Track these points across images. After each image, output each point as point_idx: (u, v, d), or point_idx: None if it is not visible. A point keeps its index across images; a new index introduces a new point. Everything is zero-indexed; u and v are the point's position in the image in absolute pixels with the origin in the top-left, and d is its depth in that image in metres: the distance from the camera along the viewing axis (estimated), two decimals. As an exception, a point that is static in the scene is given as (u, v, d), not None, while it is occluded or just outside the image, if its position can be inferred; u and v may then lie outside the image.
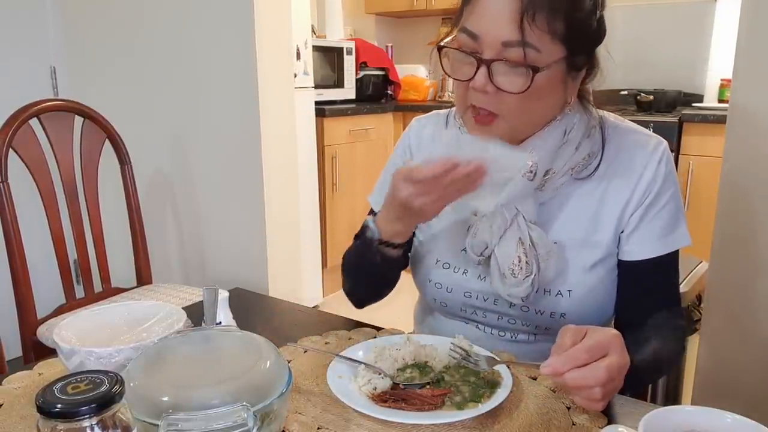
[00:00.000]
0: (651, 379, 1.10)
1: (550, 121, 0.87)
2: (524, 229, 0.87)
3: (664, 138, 0.93)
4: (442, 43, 0.85)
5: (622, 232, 0.91)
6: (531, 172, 0.85)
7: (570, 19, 0.78)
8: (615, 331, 0.71)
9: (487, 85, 0.80)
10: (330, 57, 3.23)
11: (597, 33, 0.84)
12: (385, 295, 1.06)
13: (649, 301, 0.92)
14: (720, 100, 3.05)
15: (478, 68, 0.80)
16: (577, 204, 0.91)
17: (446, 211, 0.99)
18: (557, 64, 0.80)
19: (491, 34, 0.78)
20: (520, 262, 0.86)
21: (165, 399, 0.58)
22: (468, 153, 0.76)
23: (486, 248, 0.89)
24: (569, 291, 0.90)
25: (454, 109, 0.99)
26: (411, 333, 0.94)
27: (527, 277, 0.86)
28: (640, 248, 0.90)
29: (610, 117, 0.94)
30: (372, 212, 1.08)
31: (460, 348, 0.80)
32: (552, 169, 0.87)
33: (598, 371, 0.66)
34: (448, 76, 0.86)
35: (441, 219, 0.99)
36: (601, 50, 0.85)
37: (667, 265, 0.92)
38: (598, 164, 0.90)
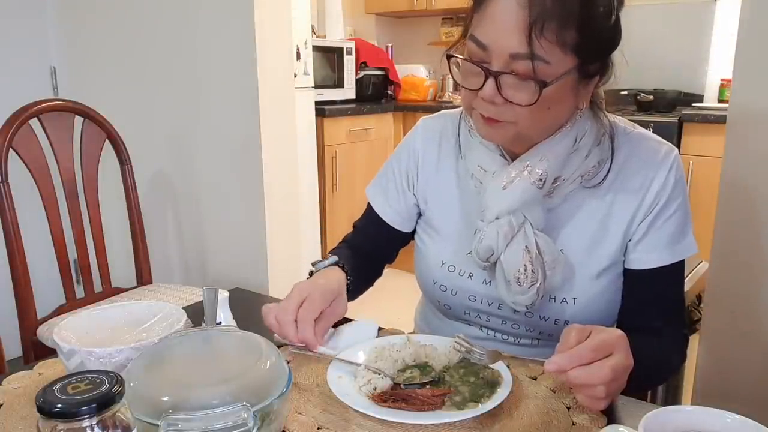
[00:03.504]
0: (650, 384, 1.10)
1: (561, 127, 0.85)
2: (531, 237, 0.86)
3: (664, 138, 0.93)
4: (450, 52, 0.83)
5: (629, 240, 0.90)
6: (540, 180, 0.84)
7: (582, 29, 0.75)
8: (620, 332, 0.70)
9: (496, 97, 0.79)
10: (330, 57, 3.23)
11: (612, 38, 0.81)
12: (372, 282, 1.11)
13: (653, 309, 0.91)
14: (720, 100, 3.05)
15: (486, 79, 0.78)
16: (586, 212, 0.90)
17: (453, 214, 0.99)
18: (568, 73, 0.78)
19: (499, 45, 0.76)
20: (526, 270, 0.85)
21: (165, 399, 0.58)
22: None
23: (492, 254, 0.88)
24: (574, 298, 0.90)
25: (464, 111, 0.97)
26: (411, 333, 0.94)
27: (533, 285, 0.86)
28: (647, 257, 0.89)
29: (621, 123, 0.93)
30: (369, 206, 1.09)
31: (465, 342, 0.80)
32: (561, 176, 0.86)
33: (603, 370, 0.66)
34: (457, 83, 0.84)
35: (447, 222, 0.99)
36: (616, 53, 0.83)
37: (673, 273, 0.91)
38: (608, 172, 0.89)
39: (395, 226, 1.05)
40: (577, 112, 0.86)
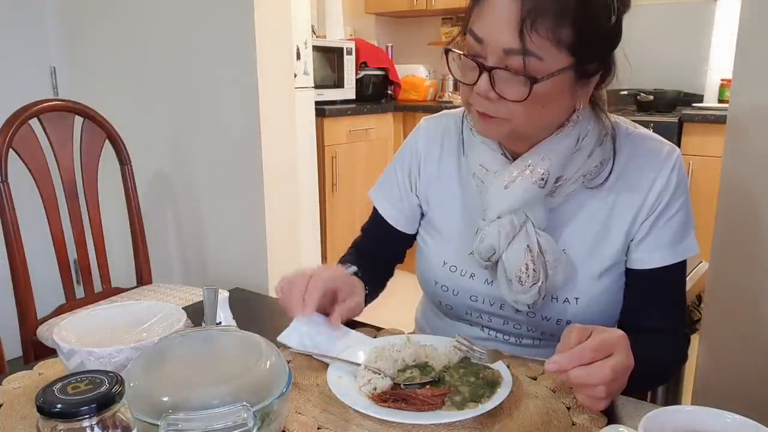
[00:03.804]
0: (651, 385, 1.10)
1: (562, 126, 0.85)
2: (533, 236, 0.86)
3: (665, 138, 0.93)
4: (449, 46, 0.84)
5: (631, 240, 0.90)
6: (542, 179, 0.84)
7: (578, 27, 0.75)
8: (621, 332, 0.70)
9: (489, 92, 0.79)
10: (330, 57, 3.23)
11: (610, 39, 0.80)
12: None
13: (654, 309, 0.91)
14: (720, 100, 3.05)
15: (480, 74, 0.79)
16: (588, 212, 0.90)
17: (455, 214, 0.99)
18: (563, 72, 0.78)
19: (493, 39, 0.77)
20: (527, 269, 0.85)
21: (165, 399, 0.58)
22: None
23: (494, 254, 0.88)
24: (576, 298, 0.90)
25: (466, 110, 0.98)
26: (411, 333, 0.94)
27: (534, 284, 0.86)
28: (649, 256, 0.89)
29: (623, 124, 0.93)
30: (375, 208, 1.09)
31: (465, 340, 0.80)
32: (563, 176, 0.86)
33: (603, 370, 0.66)
34: (455, 78, 0.85)
35: (449, 222, 0.99)
36: (619, 54, 0.82)
37: (675, 274, 0.91)
38: (610, 172, 0.89)
39: (399, 228, 1.05)
40: (576, 112, 0.85)
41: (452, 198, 0.99)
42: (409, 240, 1.08)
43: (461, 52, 0.82)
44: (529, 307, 0.89)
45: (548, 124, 0.85)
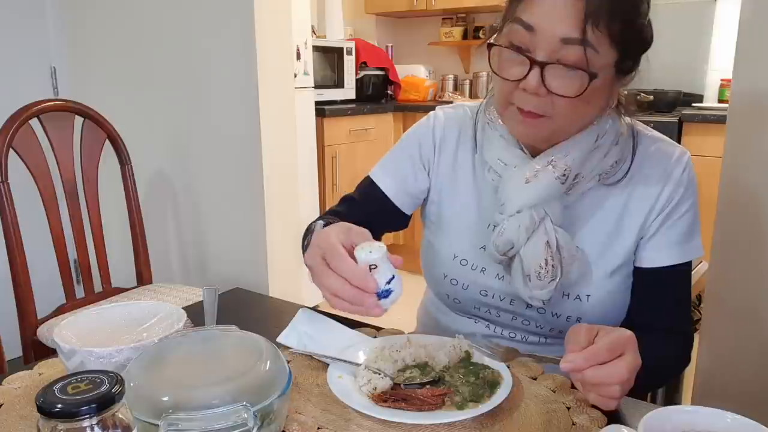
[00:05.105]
0: (653, 385, 1.10)
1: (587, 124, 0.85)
2: (551, 232, 0.86)
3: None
4: (491, 40, 0.82)
5: (641, 237, 0.91)
6: (564, 175, 0.84)
7: (628, 23, 0.76)
8: (629, 332, 0.71)
9: (540, 88, 0.77)
10: (330, 57, 3.23)
11: (648, 37, 0.82)
12: None
13: (660, 308, 0.92)
14: (720, 100, 3.05)
15: (530, 69, 0.77)
16: (602, 210, 0.91)
17: (467, 207, 0.97)
18: (609, 67, 0.78)
19: (550, 28, 0.75)
20: (546, 265, 0.85)
21: (165, 399, 0.58)
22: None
23: (511, 248, 0.87)
24: (588, 296, 0.90)
25: (483, 104, 0.96)
26: (411, 333, 0.94)
27: (552, 280, 0.86)
28: (657, 255, 0.90)
29: (637, 125, 0.94)
30: (370, 187, 1.02)
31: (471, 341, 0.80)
32: (580, 174, 0.86)
33: (620, 369, 0.67)
34: (495, 74, 0.82)
35: (461, 215, 0.98)
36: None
37: (680, 274, 0.91)
38: (627, 171, 0.89)
39: (400, 206, 1.01)
40: (607, 110, 0.86)
41: (466, 191, 0.98)
42: (400, 223, 1.03)
43: (507, 46, 0.80)
44: (543, 303, 0.89)
45: (584, 122, 0.85)
